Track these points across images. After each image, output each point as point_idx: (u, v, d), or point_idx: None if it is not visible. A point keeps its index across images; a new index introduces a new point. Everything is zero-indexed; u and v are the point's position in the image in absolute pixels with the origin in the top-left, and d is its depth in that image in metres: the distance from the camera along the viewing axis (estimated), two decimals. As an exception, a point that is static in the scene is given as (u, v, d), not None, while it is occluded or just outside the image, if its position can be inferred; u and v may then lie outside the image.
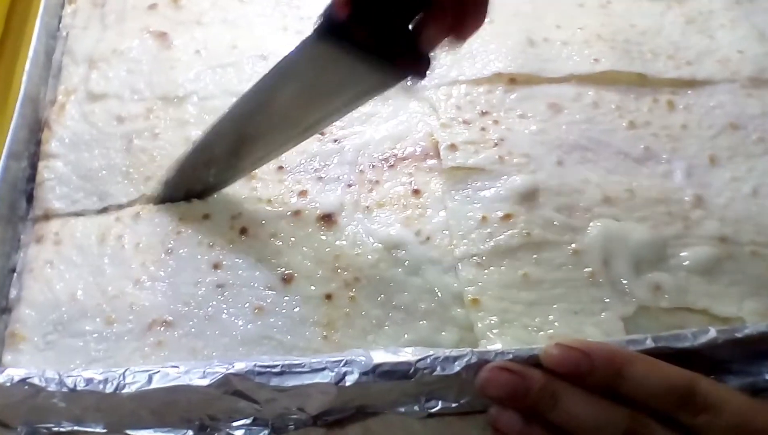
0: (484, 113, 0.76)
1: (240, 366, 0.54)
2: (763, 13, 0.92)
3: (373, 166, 0.72)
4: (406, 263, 0.66)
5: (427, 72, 0.58)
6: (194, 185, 0.69)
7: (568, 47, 0.83)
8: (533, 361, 0.55)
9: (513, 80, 0.79)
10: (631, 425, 0.51)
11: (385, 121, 0.76)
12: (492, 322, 0.62)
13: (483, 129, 0.75)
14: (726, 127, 0.78)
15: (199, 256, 0.66)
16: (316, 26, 0.55)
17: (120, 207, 0.70)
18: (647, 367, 0.53)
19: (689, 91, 0.81)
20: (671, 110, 0.78)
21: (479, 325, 0.62)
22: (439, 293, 0.64)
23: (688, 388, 0.51)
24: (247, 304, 0.63)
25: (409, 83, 0.59)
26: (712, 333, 0.58)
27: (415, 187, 0.71)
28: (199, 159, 0.68)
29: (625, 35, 0.85)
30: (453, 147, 0.72)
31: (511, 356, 0.55)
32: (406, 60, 0.56)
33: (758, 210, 0.71)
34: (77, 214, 0.70)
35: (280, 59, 0.60)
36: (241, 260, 0.66)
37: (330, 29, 0.55)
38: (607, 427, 0.52)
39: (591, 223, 0.68)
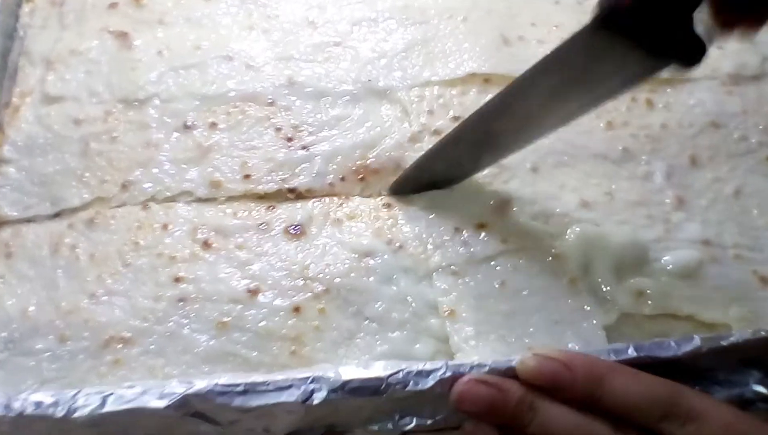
0: (456, 118, 0.73)
1: (200, 385, 0.51)
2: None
3: (343, 178, 0.69)
4: (378, 272, 0.63)
5: (701, 61, 0.54)
6: (434, 178, 0.68)
7: (543, 46, 0.80)
8: (511, 374, 0.52)
9: (487, 81, 0.77)
10: (612, 431, 0.49)
11: (356, 125, 0.73)
12: (468, 333, 0.59)
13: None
14: (707, 125, 0.76)
15: (159, 269, 0.63)
16: (594, 15, 0.53)
17: (73, 211, 0.67)
18: (629, 378, 0.51)
19: (668, 89, 0.79)
20: (650, 109, 0.76)
21: (455, 337, 0.59)
22: (413, 303, 0.61)
23: (672, 400, 0.50)
24: (210, 319, 0.60)
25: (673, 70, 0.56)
26: (697, 341, 0.55)
27: (387, 202, 0.68)
28: (442, 154, 0.67)
29: (602, 33, 0.83)
30: None
31: (487, 368, 0.52)
32: (682, 49, 0.53)
33: (741, 211, 0.70)
34: (29, 221, 0.67)
35: (551, 51, 0.57)
36: (203, 273, 0.63)
37: (609, 18, 0.53)
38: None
39: (569, 229, 0.65)
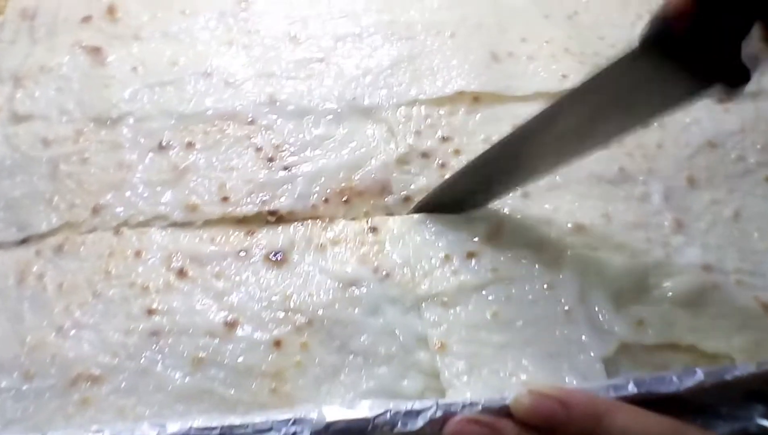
0: (445, 139, 0.71)
1: (173, 428, 0.48)
2: (743, 17, 0.89)
3: (326, 200, 0.66)
4: (363, 303, 0.60)
5: (744, 87, 0.53)
6: (459, 200, 0.66)
7: (534, 62, 0.78)
8: (505, 412, 0.50)
9: (476, 99, 0.74)
10: None
11: (340, 145, 0.70)
12: (460, 368, 0.56)
13: (443, 165, 0.69)
14: (703, 145, 0.74)
15: (131, 300, 0.59)
16: (644, 36, 0.53)
17: (41, 237, 0.64)
18: (629, 417, 0.48)
19: None
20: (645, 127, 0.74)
21: (446, 373, 0.56)
22: (400, 335, 0.58)
23: None
24: (185, 354, 0.56)
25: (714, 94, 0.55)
26: (699, 375, 0.53)
27: (373, 225, 0.65)
28: (471, 176, 0.65)
29: (594, 48, 0.81)
30: (408, 199, 0.67)
31: (480, 407, 0.50)
32: (728, 74, 0.52)
33: (741, 235, 0.67)
34: (-7, 247, 0.63)
35: (595, 71, 0.56)
36: (178, 304, 0.59)
37: (659, 40, 0.52)
38: None
39: (564, 256, 0.63)
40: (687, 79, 0.53)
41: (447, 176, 0.67)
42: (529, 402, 0.49)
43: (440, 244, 0.64)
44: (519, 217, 0.66)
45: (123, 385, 0.55)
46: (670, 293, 0.61)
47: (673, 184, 0.70)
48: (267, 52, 0.78)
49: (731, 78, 0.52)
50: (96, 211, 0.65)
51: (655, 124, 0.74)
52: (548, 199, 0.67)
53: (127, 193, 0.66)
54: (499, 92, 0.75)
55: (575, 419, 0.48)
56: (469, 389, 0.55)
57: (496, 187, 0.65)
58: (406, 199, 0.67)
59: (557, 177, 0.68)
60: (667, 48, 0.52)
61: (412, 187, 0.68)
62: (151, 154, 0.68)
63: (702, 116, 0.76)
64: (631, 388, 0.52)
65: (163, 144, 0.69)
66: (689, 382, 0.53)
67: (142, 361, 0.56)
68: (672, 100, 0.56)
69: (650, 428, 0.48)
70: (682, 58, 0.52)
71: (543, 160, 0.63)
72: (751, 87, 0.78)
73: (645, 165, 0.71)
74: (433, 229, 0.65)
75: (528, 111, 0.72)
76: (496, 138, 0.70)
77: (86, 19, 0.80)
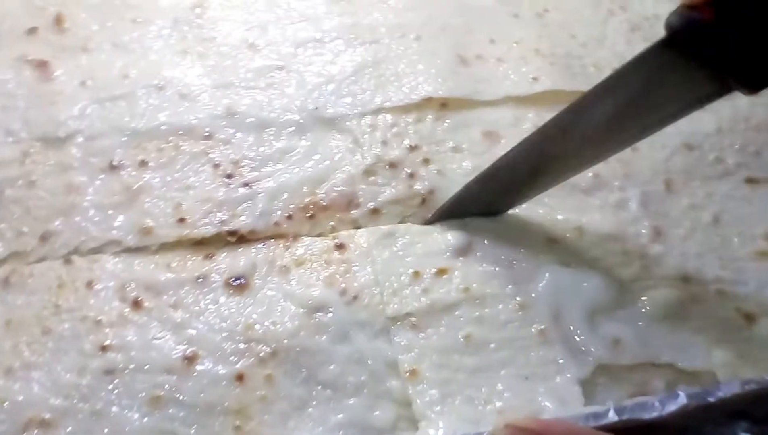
0: (413, 148, 0.68)
1: None
2: (710, 15, 0.87)
3: (290, 216, 0.63)
4: (330, 329, 0.57)
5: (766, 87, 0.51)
6: (482, 206, 0.64)
7: (503, 65, 0.75)
8: None
9: (444, 105, 0.72)
10: None
11: (303, 159, 0.67)
12: (432, 397, 0.54)
13: (411, 175, 0.67)
14: (679, 147, 0.72)
15: (83, 335, 0.56)
16: (666, 34, 0.51)
17: (-15, 270, 0.60)
18: None
19: None
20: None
21: (418, 402, 0.54)
22: (370, 363, 0.56)
23: None
24: (143, 393, 0.54)
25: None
26: (682, 399, 0.52)
27: (339, 242, 0.62)
28: (495, 180, 0.62)
29: (565, 48, 0.78)
30: (376, 212, 0.65)
31: None
32: (750, 74, 0.50)
33: (721, 241, 0.66)
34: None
35: (614, 71, 0.54)
36: (133, 338, 0.56)
37: (681, 37, 0.50)
38: None
39: (536, 272, 0.61)
40: (708, 78, 0.51)
41: (469, 180, 0.65)
42: None
43: (409, 260, 0.61)
44: (490, 231, 0.63)
45: (77, 429, 0.52)
46: (647, 308, 0.60)
47: (650, 188, 0.68)
48: (223, 61, 0.74)
49: (753, 79, 0.51)
50: (44, 238, 0.61)
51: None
52: (520, 212, 0.65)
53: (77, 218, 0.62)
54: (468, 97, 0.72)
55: None
56: (442, 419, 0.53)
57: (522, 190, 0.64)
58: (374, 211, 0.65)
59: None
60: (688, 44, 0.50)
61: (380, 198, 0.65)
62: (102, 175, 0.65)
63: (677, 116, 0.74)
64: (612, 416, 0.51)
65: (115, 163, 0.65)
66: (672, 407, 0.52)
67: (96, 403, 0.53)
68: (692, 99, 0.54)
69: None
70: (703, 54, 0.50)
71: (567, 162, 0.61)
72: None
73: (620, 170, 0.69)
74: (402, 243, 0.62)
75: (498, 116, 0.71)
76: (465, 145, 0.69)
77: (32, 31, 0.75)
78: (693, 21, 0.49)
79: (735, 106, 0.76)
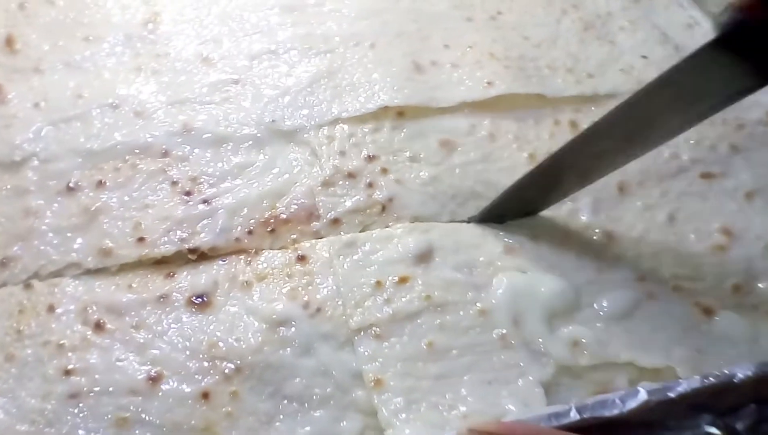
0: (371, 158, 0.69)
1: None
2: (664, 11, 0.89)
3: (250, 231, 0.64)
4: (295, 343, 0.58)
5: None
6: (525, 205, 0.66)
7: (458, 70, 0.76)
8: None
9: (401, 114, 0.72)
10: None
11: (261, 173, 0.67)
12: (398, 405, 0.55)
13: (370, 184, 0.67)
14: (635, 146, 0.72)
15: (46, 360, 0.56)
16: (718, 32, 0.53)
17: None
18: None
19: (593, 108, 0.76)
20: (574, 131, 0.73)
21: (383, 411, 0.54)
22: (335, 374, 0.56)
23: None
24: (108, 415, 0.54)
25: None
26: (643, 395, 0.53)
27: (300, 254, 0.63)
28: (542, 178, 0.64)
29: (519, 50, 0.79)
30: (337, 222, 0.65)
31: None
32: None
33: (677, 239, 0.67)
34: None
35: (665, 70, 0.56)
36: (97, 361, 0.56)
37: (729, 37, 0.53)
38: None
39: (495, 279, 0.61)
40: (752, 72, 0.53)
41: (514, 181, 0.66)
42: None
43: (371, 269, 0.62)
44: (450, 239, 0.64)
45: (43, 456, 0.52)
46: (604, 310, 0.61)
47: (602, 194, 0.68)
48: (178, 77, 0.74)
49: None
50: (3, 264, 0.61)
51: (584, 125, 0.73)
52: (476, 226, 0.66)
53: (36, 242, 0.62)
54: (424, 105, 0.73)
55: None
56: (408, 426, 0.54)
57: (565, 189, 0.65)
58: (335, 221, 0.65)
59: (485, 200, 0.67)
60: (742, 40, 0.52)
61: (340, 209, 0.66)
62: (59, 198, 0.65)
63: (632, 115, 0.75)
64: (573, 415, 0.51)
65: (72, 185, 0.65)
66: (633, 403, 0.52)
67: (62, 427, 0.53)
68: (734, 92, 0.56)
69: None
70: (753, 50, 0.52)
71: (608, 159, 0.62)
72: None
73: (574, 177, 0.70)
74: (363, 251, 0.63)
75: (454, 124, 0.72)
76: (423, 155, 0.70)
77: (-18, 53, 0.75)
78: (743, 22, 0.51)
79: (688, 102, 0.78)
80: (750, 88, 0.55)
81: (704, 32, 0.86)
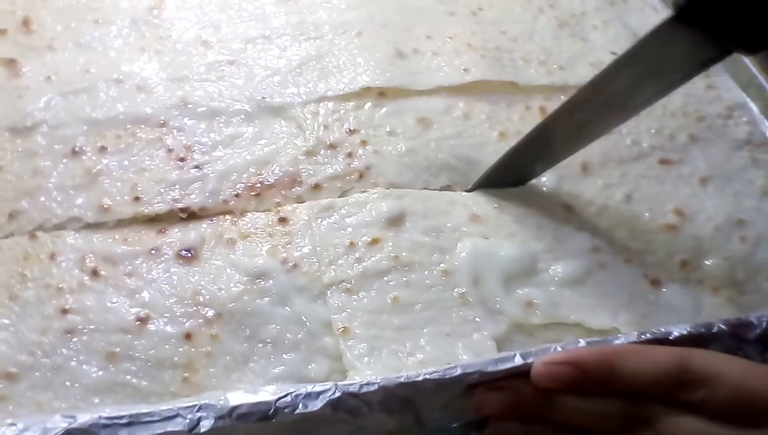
0: (352, 131, 0.74)
1: (83, 419, 0.49)
2: (638, 13, 0.94)
3: (237, 195, 0.69)
4: (272, 294, 0.62)
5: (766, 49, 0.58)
6: (517, 173, 0.71)
7: (438, 58, 0.82)
8: (402, 390, 0.52)
9: (382, 94, 0.78)
10: (632, 410, 0.51)
11: (250, 143, 0.73)
12: (361, 350, 0.59)
13: (349, 154, 0.72)
14: (597, 132, 0.77)
15: (46, 301, 0.61)
16: (673, 11, 0.58)
17: (-41, 245, 0.65)
18: (636, 358, 0.52)
19: (562, 96, 0.79)
20: (544, 116, 0.77)
21: (348, 355, 0.59)
22: (307, 323, 0.61)
23: (681, 368, 0.51)
24: (99, 350, 0.59)
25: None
26: (582, 345, 0.56)
27: (282, 216, 0.68)
28: (532, 147, 0.69)
29: (495, 43, 0.85)
30: (317, 187, 0.70)
31: (376, 386, 0.52)
32: (749, 38, 0.57)
33: (632, 216, 0.71)
34: None
35: (631, 45, 0.61)
36: (92, 303, 0.61)
37: (685, 12, 0.57)
38: (609, 416, 0.51)
39: (459, 243, 0.66)
40: (713, 43, 0.58)
41: (505, 150, 0.71)
42: (545, 371, 0.52)
43: (346, 231, 0.67)
44: (420, 206, 0.69)
45: (40, 382, 0.57)
46: (558, 276, 0.66)
47: (566, 172, 0.73)
48: (178, 57, 0.80)
49: (753, 42, 0.57)
50: (12, 216, 0.67)
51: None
52: (446, 195, 0.71)
53: (42, 198, 0.68)
54: (404, 87, 0.78)
55: (590, 373, 0.51)
56: (369, 369, 0.58)
57: (553, 156, 0.70)
58: (316, 187, 0.70)
59: (456, 173, 0.73)
60: (697, 13, 0.56)
61: (320, 175, 0.71)
62: (64, 160, 0.70)
63: (599, 102, 0.80)
64: (518, 360, 0.54)
65: (77, 149, 0.71)
66: (573, 352, 0.56)
67: (57, 358, 0.58)
68: (698, 63, 0.60)
69: (657, 364, 0.51)
70: (705, 25, 0.56)
71: (592, 128, 0.67)
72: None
73: (541, 154, 0.75)
74: (339, 214, 0.68)
75: (431, 104, 0.77)
76: (400, 130, 0.75)
77: (1, 33, 0.81)
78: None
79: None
80: (714, 58, 0.59)
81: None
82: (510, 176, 0.71)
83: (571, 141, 0.69)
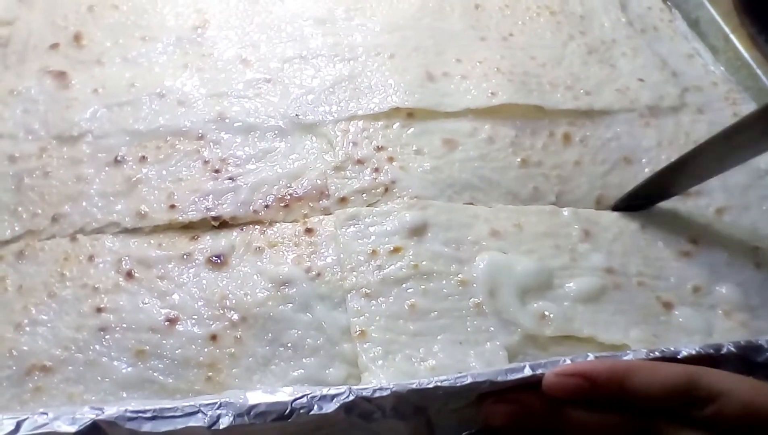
0: (379, 148, 0.77)
1: (110, 411, 0.52)
2: (668, 41, 0.95)
3: (267, 205, 0.72)
4: (295, 300, 0.65)
5: None
6: (658, 194, 0.75)
7: (466, 81, 0.84)
8: (414, 396, 0.54)
9: (411, 115, 0.80)
10: (640, 424, 0.52)
11: (282, 157, 0.76)
12: (376, 353, 0.62)
13: (376, 169, 0.75)
14: (619, 161, 0.80)
15: (82, 299, 0.65)
16: None
17: (4, 244, 0.69)
18: (647, 374, 0.53)
19: (587, 122, 0.83)
20: (567, 144, 0.80)
21: (363, 357, 0.61)
22: (327, 329, 0.64)
23: (690, 385, 0.51)
24: (129, 347, 0.62)
25: None
26: (591, 358, 0.57)
27: (308, 227, 0.71)
28: (680, 170, 0.72)
29: (524, 67, 0.87)
30: (344, 200, 0.73)
31: (389, 392, 0.54)
32: None
33: (646, 244, 0.73)
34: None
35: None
36: (125, 303, 0.65)
37: None
38: (617, 430, 0.52)
39: (478, 256, 0.68)
40: None
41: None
42: (556, 381, 0.53)
43: (369, 239, 0.69)
44: (444, 218, 0.71)
45: (72, 375, 0.61)
46: (573, 292, 0.67)
47: (581, 205, 0.76)
48: (219, 74, 0.84)
49: None
50: (55, 219, 0.71)
51: (577, 138, 0.81)
52: (469, 208, 0.73)
53: (84, 204, 0.72)
54: (432, 108, 0.81)
55: (601, 386, 0.52)
56: (383, 372, 0.60)
57: (683, 184, 0.74)
58: (342, 199, 0.73)
59: (479, 192, 0.75)
60: None
61: (347, 189, 0.74)
62: (107, 168, 0.74)
63: (622, 131, 0.82)
64: (527, 371, 0.55)
65: (119, 158, 0.75)
66: (581, 364, 0.57)
67: (90, 354, 0.62)
68: None
69: (667, 380, 0.52)
70: None
71: (745, 150, 0.68)
72: (672, 101, 0.85)
73: (558, 187, 0.77)
74: (363, 223, 0.70)
75: (457, 126, 0.80)
76: (426, 149, 0.77)
77: (54, 46, 0.86)
78: None
79: (678, 121, 0.84)
80: None
81: (704, 62, 0.93)
82: (655, 193, 0.74)
83: (720, 161, 0.70)
